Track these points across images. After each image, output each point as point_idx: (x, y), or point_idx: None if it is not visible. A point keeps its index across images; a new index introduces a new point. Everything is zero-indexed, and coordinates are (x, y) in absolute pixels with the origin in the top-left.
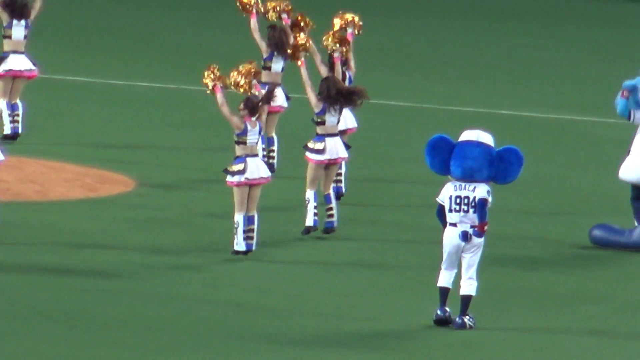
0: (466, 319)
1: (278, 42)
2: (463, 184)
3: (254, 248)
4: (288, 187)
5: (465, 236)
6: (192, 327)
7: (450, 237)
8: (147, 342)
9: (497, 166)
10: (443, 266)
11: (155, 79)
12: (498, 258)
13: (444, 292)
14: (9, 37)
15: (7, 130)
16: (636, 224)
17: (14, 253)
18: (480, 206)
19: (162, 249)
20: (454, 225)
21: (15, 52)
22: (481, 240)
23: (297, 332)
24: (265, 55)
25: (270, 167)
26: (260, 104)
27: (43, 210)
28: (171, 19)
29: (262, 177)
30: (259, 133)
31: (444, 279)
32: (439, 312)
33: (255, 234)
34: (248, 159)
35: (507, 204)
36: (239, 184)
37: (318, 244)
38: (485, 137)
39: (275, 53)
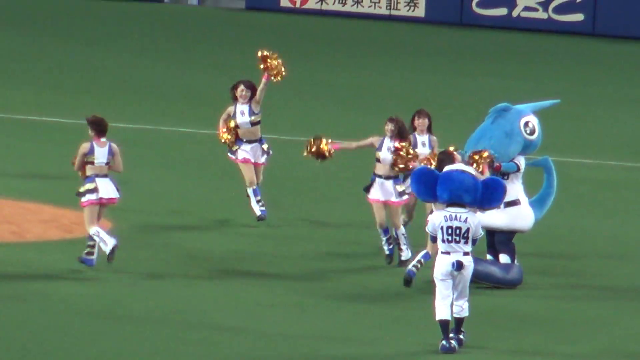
0: (461, 335)
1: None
2: (454, 214)
3: None
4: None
5: (459, 266)
6: None
7: (444, 265)
8: None
9: (483, 192)
10: (438, 296)
11: (131, 119)
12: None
13: (445, 324)
14: None
15: None
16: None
17: None
18: (475, 242)
19: (138, 290)
20: (447, 253)
21: None
22: (472, 266)
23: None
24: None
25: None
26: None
27: (20, 251)
28: (146, 61)
29: (112, 197)
30: (109, 154)
31: (443, 311)
32: (444, 343)
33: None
34: (97, 179)
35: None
36: (90, 203)
37: (293, 284)
38: (469, 169)
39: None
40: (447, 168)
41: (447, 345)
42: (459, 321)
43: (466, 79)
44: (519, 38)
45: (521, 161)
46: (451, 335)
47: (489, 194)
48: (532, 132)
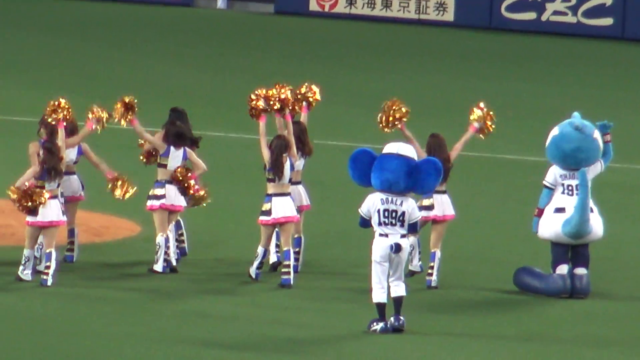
0: (402, 317)
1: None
2: (390, 197)
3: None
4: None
5: (397, 248)
6: None
7: (382, 248)
8: None
9: (416, 177)
10: (375, 280)
11: (160, 124)
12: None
13: (382, 307)
14: None
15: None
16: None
17: (13, 296)
18: (414, 226)
19: (167, 293)
20: (385, 236)
21: None
22: (408, 249)
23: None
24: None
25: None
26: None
27: None
28: (174, 65)
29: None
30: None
31: (379, 294)
32: (383, 326)
33: None
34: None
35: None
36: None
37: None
38: (406, 149)
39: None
40: (386, 149)
41: (385, 327)
42: (397, 301)
43: (495, 82)
44: (548, 42)
45: (550, 175)
46: (393, 317)
47: (421, 180)
48: None
